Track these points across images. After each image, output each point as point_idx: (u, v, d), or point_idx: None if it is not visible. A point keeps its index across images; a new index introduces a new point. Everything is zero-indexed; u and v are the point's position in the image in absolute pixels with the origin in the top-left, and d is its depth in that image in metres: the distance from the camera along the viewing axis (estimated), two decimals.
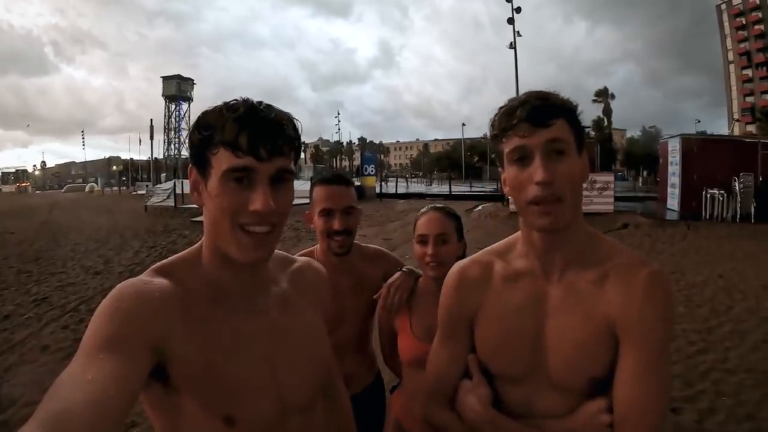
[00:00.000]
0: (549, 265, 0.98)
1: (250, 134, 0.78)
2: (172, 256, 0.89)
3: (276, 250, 0.93)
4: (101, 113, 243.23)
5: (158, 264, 0.87)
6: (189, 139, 0.85)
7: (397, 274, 1.62)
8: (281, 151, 0.81)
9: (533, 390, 0.98)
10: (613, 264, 0.95)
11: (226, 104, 0.81)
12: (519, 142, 0.90)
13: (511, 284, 1.02)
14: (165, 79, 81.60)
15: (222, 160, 0.78)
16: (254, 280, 0.90)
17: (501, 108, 0.95)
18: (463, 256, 1.43)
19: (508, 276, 1.03)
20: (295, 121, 0.86)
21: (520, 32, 23.55)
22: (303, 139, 0.88)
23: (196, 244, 0.90)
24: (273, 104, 0.83)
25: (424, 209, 1.61)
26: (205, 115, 0.82)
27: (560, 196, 0.89)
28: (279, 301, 0.94)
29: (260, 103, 0.82)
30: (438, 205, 1.62)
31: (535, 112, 0.89)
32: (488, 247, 1.11)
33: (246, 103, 0.81)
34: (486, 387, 1.02)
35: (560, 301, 0.97)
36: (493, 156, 1.01)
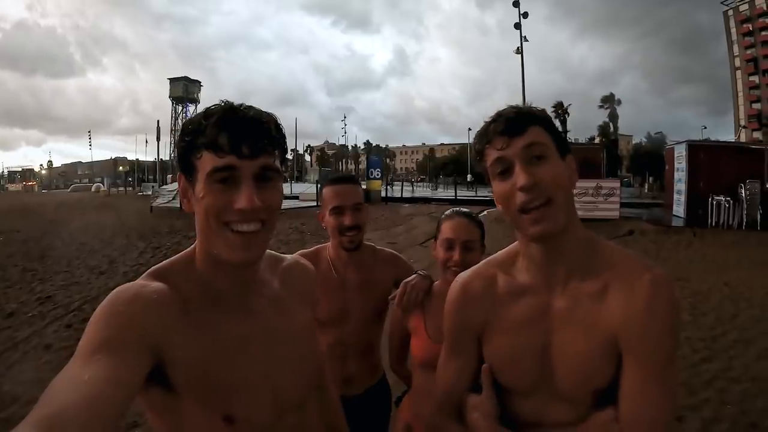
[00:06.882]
0: (551, 277, 0.97)
1: (230, 134, 0.79)
2: (167, 260, 0.90)
3: (267, 250, 0.94)
4: (117, 113, 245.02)
5: (154, 268, 0.88)
6: (176, 147, 0.88)
7: (414, 275, 1.65)
8: (264, 148, 0.82)
9: (542, 402, 0.98)
10: (615, 272, 0.94)
11: (206, 109, 0.84)
12: (497, 154, 0.91)
13: (516, 299, 1.00)
14: (172, 81, 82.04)
15: (206, 163, 0.80)
16: (247, 281, 0.91)
17: (479, 130, 0.96)
18: None
19: (512, 290, 1.01)
20: (277, 120, 0.87)
21: (527, 37, 23.63)
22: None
23: (189, 248, 0.91)
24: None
25: (448, 213, 1.61)
26: (188, 122, 0.85)
27: (548, 197, 0.88)
28: (272, 302, 0.95)
29: (240, 104, 0.84)
30: (464, 210, 1.62)
31: (509, 123, 0.90)
32: (489, 258, 1.10)
33: (224, 105, 0.83)
34: (492, 402, 1.01)
35: (564, 314, 0.95)
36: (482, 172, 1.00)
